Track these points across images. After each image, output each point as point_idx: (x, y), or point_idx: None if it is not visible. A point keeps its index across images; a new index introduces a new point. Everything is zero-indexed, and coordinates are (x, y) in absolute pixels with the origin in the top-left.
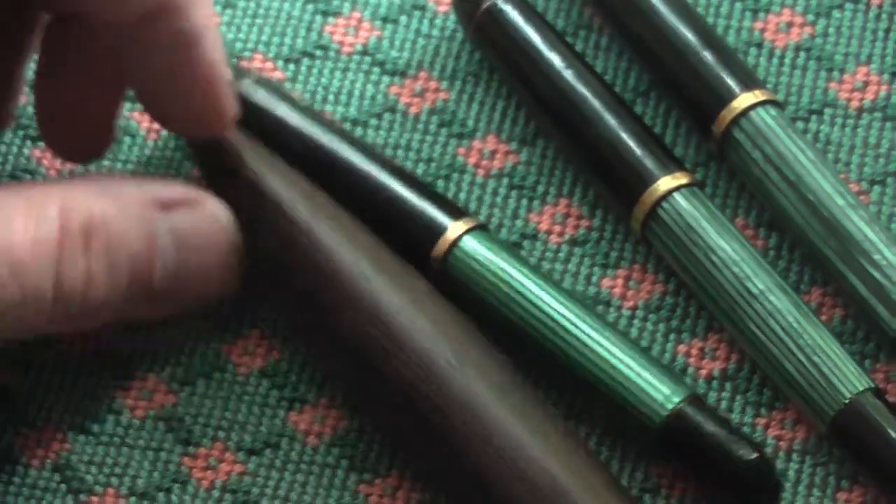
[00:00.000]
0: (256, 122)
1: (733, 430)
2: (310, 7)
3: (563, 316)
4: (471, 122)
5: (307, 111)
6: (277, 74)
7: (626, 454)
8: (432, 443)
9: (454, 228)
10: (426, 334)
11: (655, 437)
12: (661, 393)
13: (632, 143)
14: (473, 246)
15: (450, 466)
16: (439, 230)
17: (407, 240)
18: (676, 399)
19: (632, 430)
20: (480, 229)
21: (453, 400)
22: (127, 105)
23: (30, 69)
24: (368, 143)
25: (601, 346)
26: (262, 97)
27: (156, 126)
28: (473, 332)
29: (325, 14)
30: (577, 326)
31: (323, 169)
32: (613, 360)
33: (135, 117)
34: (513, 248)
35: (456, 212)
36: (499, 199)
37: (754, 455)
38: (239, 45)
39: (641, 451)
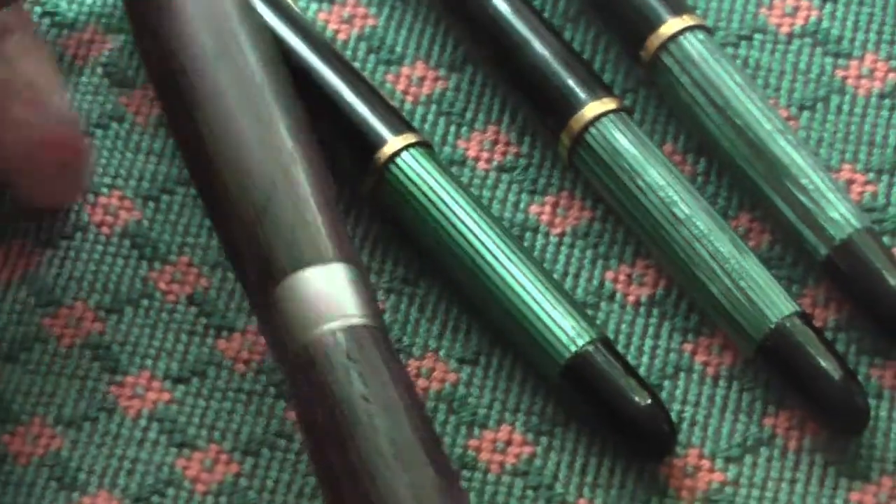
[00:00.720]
0: None
1: (635, 375)
2: None
3: (485, 245)
4: (399, 49)
5: (277, 5)
6: None
7: (537, 388)
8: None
9: (394, 143)
10: None
11: (558, 376)
12: (568, 333)
13: (560, 68)
14: (410, 163)
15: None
16: (380, 142)
17: (351, 147)
18: (581, 341)
19: (539, 366)
20: (422, 146)
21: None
22: None
23: None
24: (336, 48)
25: (517, 279)
26: None
27: None
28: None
29: None
30: (496, 258)
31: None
32: (526, 296)
33: None
34: (449, 171)
35: (401, 127)
36: (427, 126)
37: (649, 401)
38: None
39: (547, 388)
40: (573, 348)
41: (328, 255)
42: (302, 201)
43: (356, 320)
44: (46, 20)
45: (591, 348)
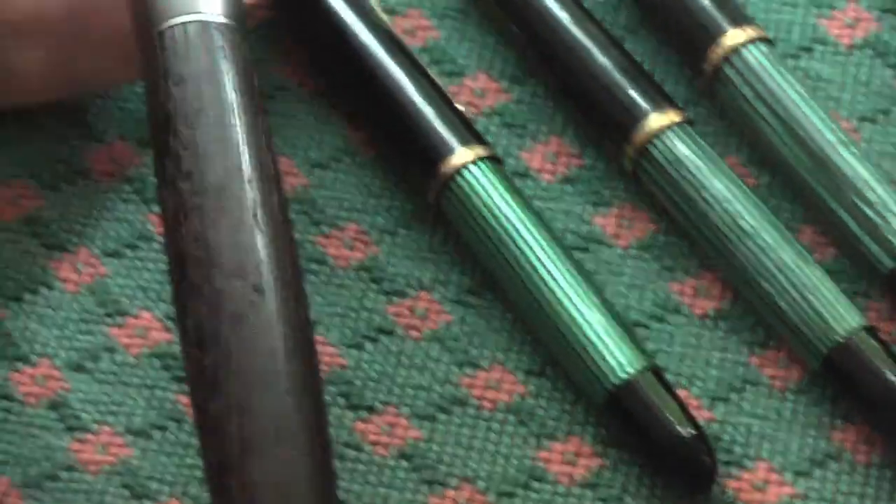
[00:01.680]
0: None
1: (681, 406)
2: None
3: (543, 264)
4: (462, 61)
5: (359, 7)
6: None
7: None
8: None
9: (462, 154)
10: None
11: (604, 402)
12: (618, 360)
13: (622, 81)
14: (477, 175)
15: None
16: (449, 152)
17: (419, 154)
18: (630, 369)
19: (586, 390)
20: (491, 160)
21: None
22: None
23: None
24: (412, 52)
25: (572, 301)
26: None
27: None
28: None
29: None
30: (553, 277)
31: (356, 65)
32: (580, 319)
33: None
34: (514, 186)
35: (470, 138)
36: (491, 138)
37: (692, 433)
38: None
39: (596, 413)
40: (622, 375)
41: None
42: None
43: (212, 17)
44: None
45: (639, 377)
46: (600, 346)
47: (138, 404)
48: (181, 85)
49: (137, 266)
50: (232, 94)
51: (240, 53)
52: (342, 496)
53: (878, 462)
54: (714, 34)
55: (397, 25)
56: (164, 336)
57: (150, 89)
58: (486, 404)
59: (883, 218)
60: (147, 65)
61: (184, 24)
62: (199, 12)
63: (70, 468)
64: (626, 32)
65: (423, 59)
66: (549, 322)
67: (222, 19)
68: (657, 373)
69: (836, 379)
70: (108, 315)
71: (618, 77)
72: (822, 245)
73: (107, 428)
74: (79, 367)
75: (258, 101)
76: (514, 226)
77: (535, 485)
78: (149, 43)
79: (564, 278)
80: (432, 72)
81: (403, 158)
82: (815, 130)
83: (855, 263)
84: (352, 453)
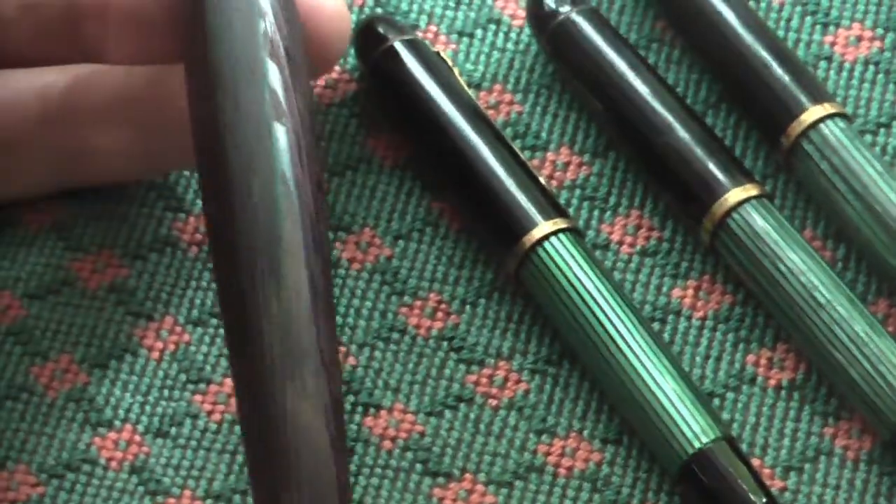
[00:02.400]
0: (398, 80)
1: (755, 476)
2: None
3: (621, 335)
4: (544, 134)
5: (445, 82)
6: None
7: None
8: None
9: (543, 227)
10: None
11: (678, 471)
12: (693, 429)
13: (702, 155)
14: (557, 247)
15: None
16: (531, 225)
17: (500, 225)
18: (705, 438)
19: (661, 458)
20: (571, 232)
21: None
22: None
23: None
24: (496, 126)
25: (648, 370)
26: (408, 58)
27: None
28: None
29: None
30: (630, 347)
31: (441, 138)
32: (655, 388)
33: None
34: (593, 257)
35: (552, 211)
36: (572, 210)
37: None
38: None
39: (670, 481)
40: (697, 445)
41: None
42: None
43: None
44: None
45: (713, 446)
46: (676, 416)
47: (219, 469)
48: None
49: (221, 334)
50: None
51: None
52: None
53: None
54: (793, 110)
55: (481, 99)
56: None
57: None
58: (563, 472)
59: None
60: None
61: None
62: None
63: None
64: (707, 107)
65: (507, 133)
66: (626, 391)
67: None
68: (731, 442)
69: None
70: (191, 382)
71: (697, 151)
72: None
73: (188, 492)
74: (161, 433)
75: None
76: (592, 297)
77: None
78: None
79: (641, 348)
80: (515, 145)
81: (485, 230)
82: (891, 205)
83: None
84: None
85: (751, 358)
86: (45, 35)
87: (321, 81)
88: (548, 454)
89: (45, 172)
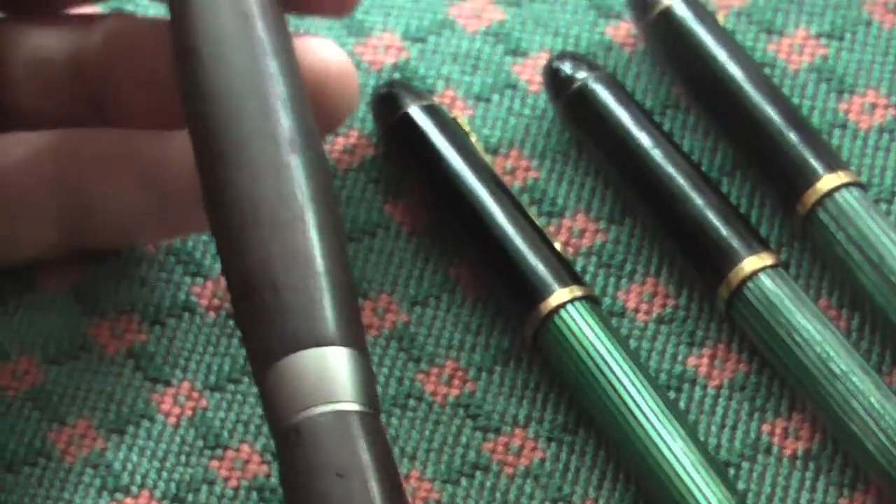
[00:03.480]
0: (415, 145)
1: None
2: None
3: (637, 404)
4: (560, 201)
5: (462, 147)
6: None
7: None
8: None
9: (560, 294)
10: None
11: None
12: (709, 499)
13: (718, 223)
14: (574, 315)
15: None
16: (547, 292)
17: (517, 292)
18: None
19: None
20: (587, 299)
21: None
22: None
23: None
24: (512, 192)
25: (664, 439)
26: (425, 124)
27: None
28: None
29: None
30: (647, 417)
31: (458, 205)
32: (672, 458)
33: None
34: (609, 325)
35: (568, 278)
36: (588, 277)
37: None
38: None
39: None
40: None
41: (328, 337)
42: (310, 277)
43: (347, 406)
44: None
45: None
46: (691, 485)
47: None
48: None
49: (238, 400)
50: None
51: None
52: None
53: None
54: (808, 178)
55: (498, 165)
56: (263, 469)
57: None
58: None
59: None
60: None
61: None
62: (336, 401)
63: None
64: (722, 174)
65: (523, 199)
66: (642, 460)
67: (358, 407)
68: None
69: None
70: (208, 448)
71: (713, 219)
72: None
73: None
74: (177, 499)
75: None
76: (608, 364)
77: None
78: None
79: (657, 417)
80: (532, 211)
81: (502, 297)
82: None
83: None
84: None
85: (766, 427)
86: (53, 95)
87: (338, 146)
88: None
89: (59, 234)
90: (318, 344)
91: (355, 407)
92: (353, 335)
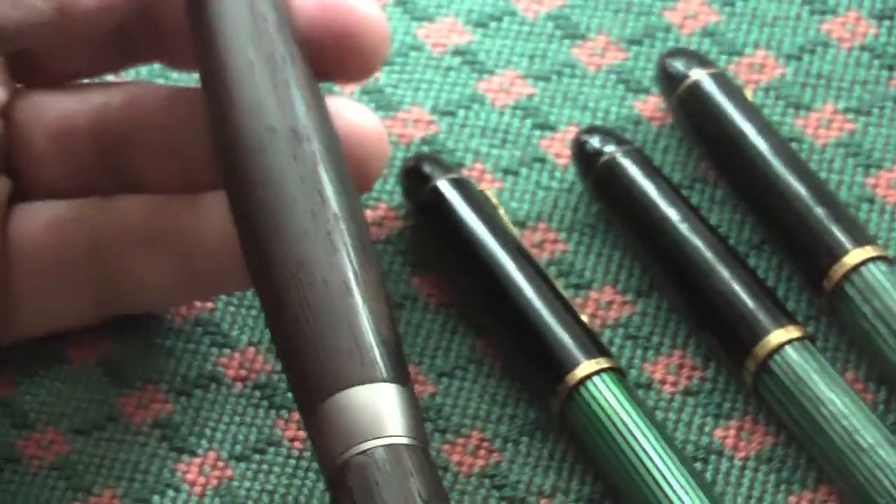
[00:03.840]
0: (443, 218)
1: None
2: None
3: (664, 475)
4: (588, 273)
5: (490, 220)
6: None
7: None
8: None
9: (586, 366)
10: None
11: None
12: None
13: (745, 296)
14: (600, 387)
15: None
16: (573, 364)
17: (544, 364)
18: None
19: None
20: (613, 371)
21: None
22: None
23: None
24: (540, 265)
25: None
26: (454, 197)
27: None
28: None
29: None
30: (673, 489)
31: (485, 277)
32: None
33: None
34: (636, 397)
35: (594, 350)
36: (615, 349)
37: None
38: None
39: None
40: None
41: (376, 374)
42: (354, 317)
43: (397, 440)
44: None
45: None
46: None
47: None
48: None
49: (264, 470)
50: None
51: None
52: None
53: None
54: (835, 252)
55: (526, 238)
56: None
57: None
58: None
59: None
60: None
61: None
62: (387, 436)
63: None
64: (749, 248)
65: (551, 272)
66: None
67: (409, 441)
68: None
69: None
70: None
71: (740, 292)
72: None
73: None
74: None
75: None
76: (635, 436)
77: None
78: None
79: (684, 489)
80: (559, 284)
81: (529, 369)
82: None
83: None
84: None
85: (792, 500)
86: (79, 166)
87: (367, 218)
88: None
89: (90, 303)
90: (365, 381)
91: (406, 441)
92: (400, 372)
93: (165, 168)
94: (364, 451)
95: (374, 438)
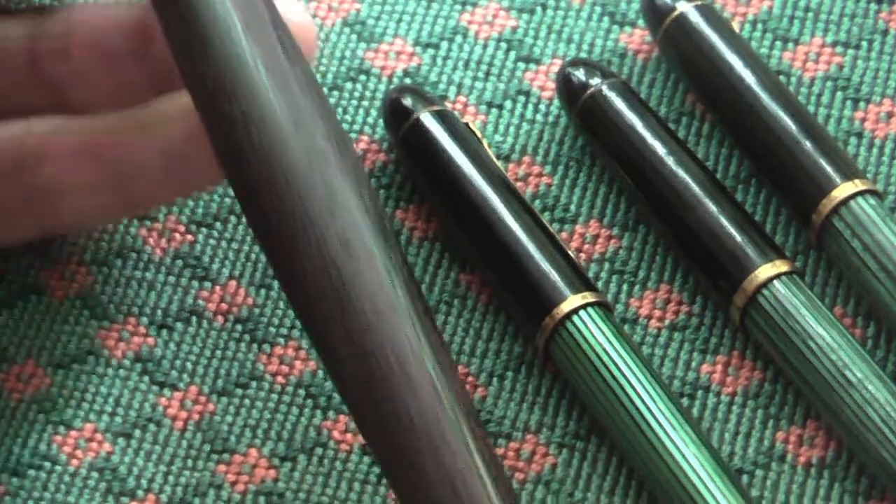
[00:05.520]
0: (426, 151)
1: None
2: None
3: (650, 411)
4: (573, 208)
5: (474, 154)
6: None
7: None
8: None
9: (572, 300)
10: None
11: None
12: None
13: (732, 231)
14: (586, 321)
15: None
16: (559, 298)
17: (529, 299)
18: None
19: None
20: (599, 306)
21: None
22: None
23: None
24: (525, 198)
25: (678, 446)
26: (437, 130)
27: None
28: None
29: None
30: (660, 424)
31: (470, 211)
32: (685, 464)
33: None
34: (622, 332)
35: (580, 284)
36: (600, 284)
37: None
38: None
39: None
40: None
41: None
42: (460, 453)
43: None
44: None
45: None
46: (705, 492)
47: None
48: None
49: (246, 404)
50: None
51: None
52: None
53: None
54: (824, 186)
55: (510, 171)
56: (270, 474)
57: None
58: None
59: None
60: None
61: None
62: None
63: None
64: (737, 182)
65: (536, 206)
66: (655, 467)
67: None
68: None
69: None
70: (215, 452)
71: (727, 227)
72: None
73: None
74: (184, 503)
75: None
76: (621, 371)
77: None
78: None
79: (670, 424)
80: (544, 218)
81: (513, 303)
82: None
83: None
84: None
85: (780, 435)
86: (9, 81)
87: None
88: None
89: (22, 221)
90: None
91: None
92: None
93: (99, 77)
94: None
95: None
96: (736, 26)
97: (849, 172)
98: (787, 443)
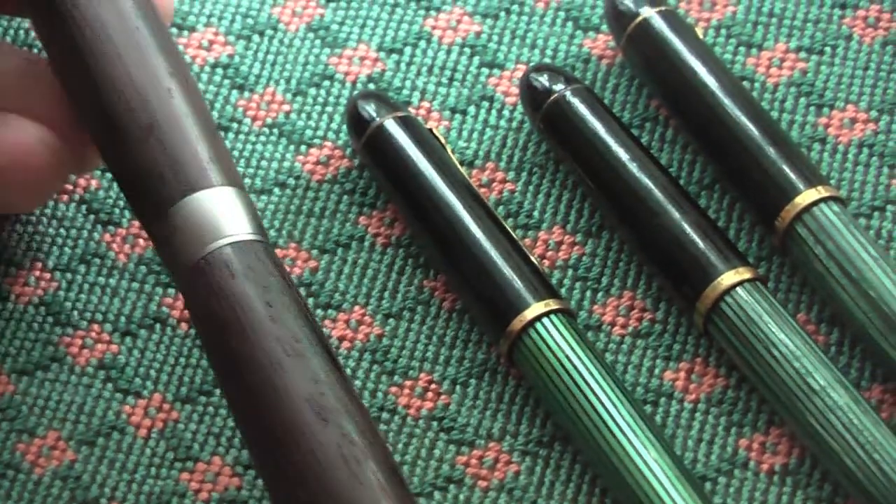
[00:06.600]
0: (390, 157)
1: None
2: None
3: (613, 418)
4: (536, 214)
5: (438, 160)
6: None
7: None
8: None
9: (535, 308)
10: None
11: None
12: None
13: (695, 237)
14: (549, 329)
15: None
16: (523, 305)
17: (492, 306)
18: None
19: None
20: (563, 313)
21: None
22: None
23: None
24: (488, 204)
25: (640, 454)
26: (400, 135)
27: None
28: None
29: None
30: (623, 432)
31: (433, 217)
32: (648, 471)
33: None
34: (585, 339)
35: (544, 292)
36: (563, 291)
37: None
38: (309, 131)
39: None
40: None
41: (215, 179)
42: (185, 131)
43: (246, 236)
44: None
45: None
46: (667, 499)
47: None
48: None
49: (210, 412)
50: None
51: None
52: None
53: None
54: (787, 192)
55: (474, 177)
56: (234, 481)
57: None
58: None
59: None
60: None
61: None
62: (238, 234)
63: None
64: (700, 188)
65: (499, 212)
66: (617, 474)
67: (257, 237)
68: None
69: None
70: (178, 460)
71: (691, 233)
72: (890, 404)
73: None
74: None
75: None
76: (584, 378)
77: None
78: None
79: (633, 431)
80: (507, 224)
81: (477, 310)
82: (885, 291)
83: None
84: None
85: (743, 442)
86: None
87: (312, 157)
88: None
89: None
90: (206, 186)
91: (255, 237)
92: (233, 175)
93: None
94: (221, 247)
95: (227, 236)
96: (700, 32)
97: (812, 179)
98: (750, 450)
